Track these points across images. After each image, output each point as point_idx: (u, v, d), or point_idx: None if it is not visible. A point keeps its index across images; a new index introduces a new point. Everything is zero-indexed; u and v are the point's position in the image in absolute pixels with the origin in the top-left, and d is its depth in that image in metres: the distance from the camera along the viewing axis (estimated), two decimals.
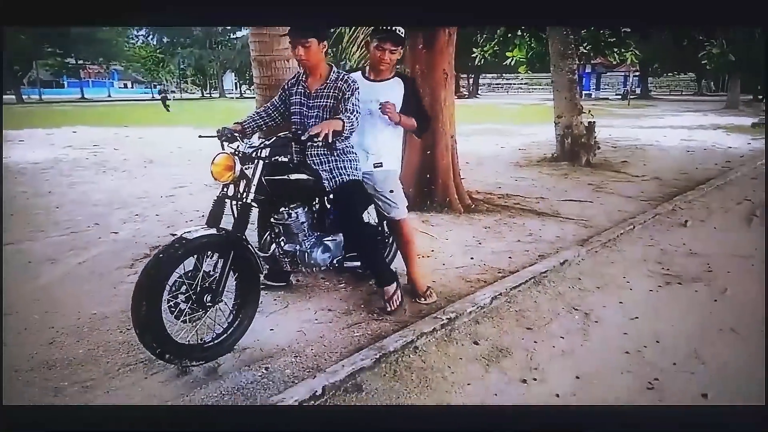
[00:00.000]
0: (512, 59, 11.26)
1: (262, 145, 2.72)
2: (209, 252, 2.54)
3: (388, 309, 3.11)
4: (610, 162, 9.27)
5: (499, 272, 3.76)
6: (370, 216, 3.51)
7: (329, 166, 3.00)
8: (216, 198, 2.67)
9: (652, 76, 49.74)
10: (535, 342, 2.83)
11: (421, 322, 2.91)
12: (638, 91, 44.68)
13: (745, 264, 4.10)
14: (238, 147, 2.70)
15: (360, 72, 3.24)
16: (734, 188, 7.19)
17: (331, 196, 3.03)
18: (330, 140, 2.66)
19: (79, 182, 7.48)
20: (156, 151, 11.02)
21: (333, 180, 2.99)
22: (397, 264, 3.48)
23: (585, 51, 10.96)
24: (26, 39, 37.88)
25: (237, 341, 2.67)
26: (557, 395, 2.36)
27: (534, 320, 3.10)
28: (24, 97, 40.61)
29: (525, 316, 3.16)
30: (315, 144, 2.80)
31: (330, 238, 3.11)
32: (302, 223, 2.96)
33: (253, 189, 2.64)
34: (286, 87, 3.11)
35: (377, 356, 2.53)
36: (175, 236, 2.41)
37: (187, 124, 16.71)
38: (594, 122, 9.19)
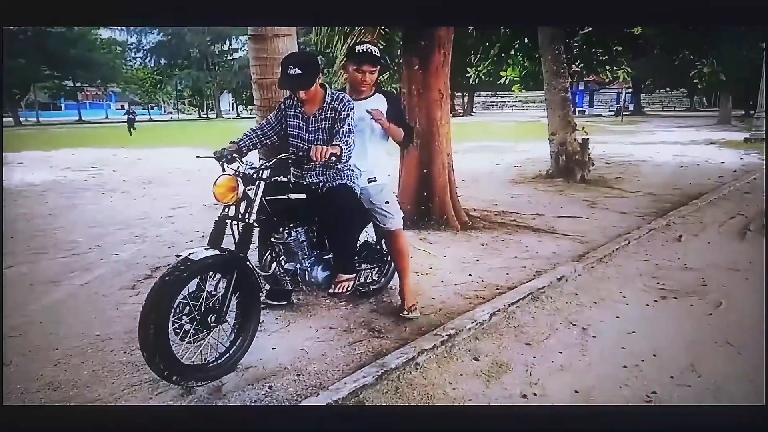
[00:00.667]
0: (506, 78, 11.42)
1: (263, 166, 2.78)
2: (212, 272, 2.57)
3: (331, 291, 3.09)
4: (604, 178, 9.38)
5: (497, 288, 3.81)
6: (368, 235, 3.57)
7: (324, 177, 3.07)
8: (217, 219, 2.71)
9: (645, 92, 50.35)
10: (534, 357, 2.87)
11: (421, 339, 2.94)
12: (631, 107, 45.21)
13: (739, 277, 4.16)
14: (238, 168, 2.76)
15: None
16: (728, 203, 7.26)
17: (326, 196, 3.04)
18: (328, 162, 2.73)
19: (79, 203, 7.53)
20: (154, 172, 11.10)
21: (327, 183, 3.05)
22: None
23: (577, 69, 11.13)
24: (24, 62, 38.21)
25: (239, 360, 2.69)
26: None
27: (533, 336, 3.14)
28: (22, 119, 40.84)
29: (524, 331, 3.20)
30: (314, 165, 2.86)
31: (330, 255, 3.16)
32: (302, 242, 3.02)
33: (255, 209, 2.69)
34: (282, 107, 3.16)
35: (379, 373, 2.56)
36: (180, 257, 2.44)
37: (185, 145, 16.84)
38: (588, 139, 9.30)
